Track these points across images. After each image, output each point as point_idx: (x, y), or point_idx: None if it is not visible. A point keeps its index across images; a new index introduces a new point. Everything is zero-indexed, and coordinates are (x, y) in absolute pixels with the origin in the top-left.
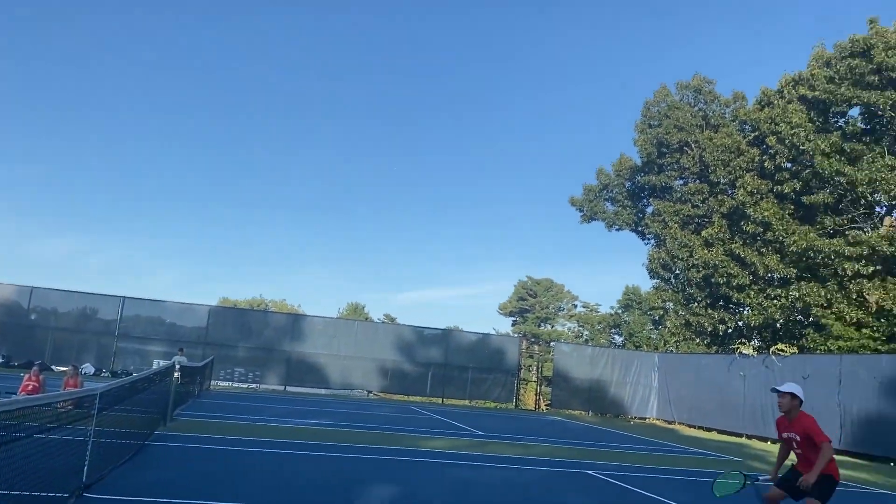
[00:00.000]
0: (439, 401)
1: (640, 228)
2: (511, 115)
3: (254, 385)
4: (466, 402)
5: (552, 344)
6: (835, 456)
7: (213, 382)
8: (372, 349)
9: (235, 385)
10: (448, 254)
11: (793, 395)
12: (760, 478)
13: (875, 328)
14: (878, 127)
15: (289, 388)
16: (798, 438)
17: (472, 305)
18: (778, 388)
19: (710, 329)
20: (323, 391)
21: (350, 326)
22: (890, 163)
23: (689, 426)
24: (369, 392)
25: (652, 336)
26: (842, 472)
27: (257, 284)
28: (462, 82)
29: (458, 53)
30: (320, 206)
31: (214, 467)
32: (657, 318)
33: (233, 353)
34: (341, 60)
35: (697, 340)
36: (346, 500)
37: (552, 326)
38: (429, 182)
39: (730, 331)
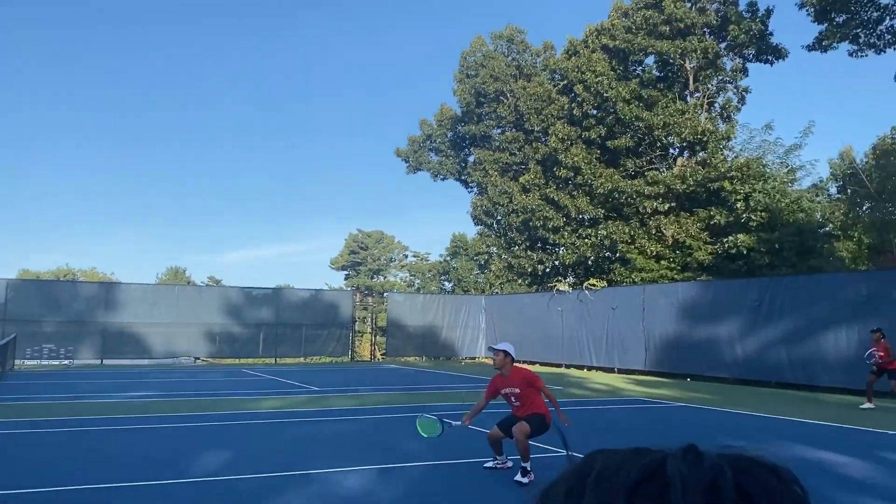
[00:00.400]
0: (272, 361)
1: (463, 177)
2: (333, 68)
3: (66, 361)
4: (301, 360)
5: (385, 294)
6: (635, 378)
7: (17, 362)
8: (197, 314)
9: (45, 363)
10: (274, 211)
11: (506, 353)
12: (454, 423)
13: (671, 259)
14: (669, 74)
15: (106, 362)
16: (518, 391)
17: (304, 262)
18: (494, 346)
19: (530, 270)
20: (145, 362)
21: (171, 292)
22: (680, 108)
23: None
24: (196, 358)
25: (479, 280)
26: (646, 390)
27: (62, 254)
28: (280, 34)
29: (276, 2)
30: (124, 165)
31: (21, 453)
32: (483, 262)
33: (39, 328)
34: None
35: (519, 281)
36: (176, 470)
37: (385, 278)
38: (245, 137)
39: (548, 270)
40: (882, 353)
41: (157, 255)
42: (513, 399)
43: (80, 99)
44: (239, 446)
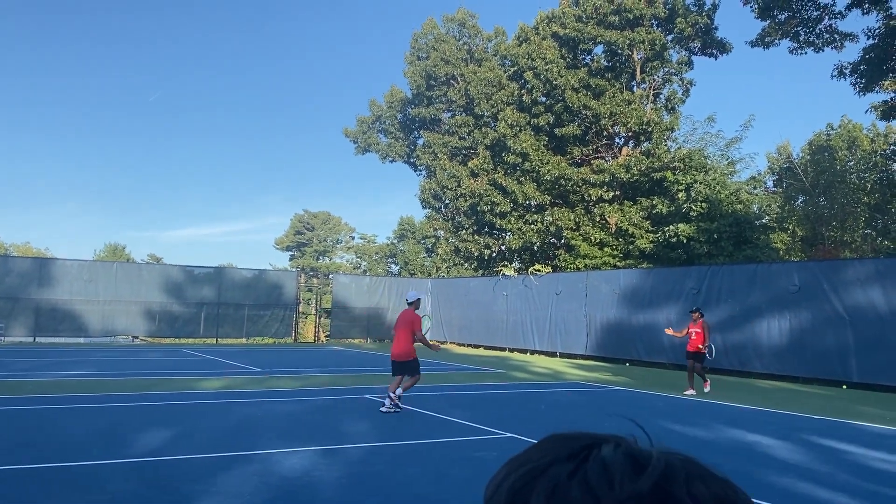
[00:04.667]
0: (214, 341)
1: (412, 160)
2: (282, 44)
3: None
4: (243, 340)
5: (331, 276)
6: (576, 362)
7: None
8: (136, 292)
9: None
10: (219, 189)
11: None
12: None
13: (614, 247)
14: (617, 64)
15: (39, 339)
16: None
17: (248, 241)
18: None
19: (476, 254)
20: (82, 340)
21: (108, 268)
22: (627, 98)
23: (460, 344)
24: (135, 337)
25: (425, 263)
26: (587, 374)
27: None
28: (232, 12)
29: None
30: (62, 138)
31: None
32: (430, 246)
33: None
34: None
35: (466, 265)
36: (113, 451)
37: (330, 259)
38: (195, 112)
39: (494, 255)
40: (698, 331)
41: (95, 232)
42: None
43: (13, 68)
44: (179, 427)
